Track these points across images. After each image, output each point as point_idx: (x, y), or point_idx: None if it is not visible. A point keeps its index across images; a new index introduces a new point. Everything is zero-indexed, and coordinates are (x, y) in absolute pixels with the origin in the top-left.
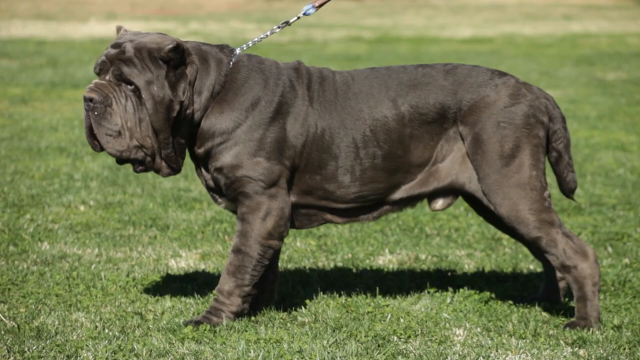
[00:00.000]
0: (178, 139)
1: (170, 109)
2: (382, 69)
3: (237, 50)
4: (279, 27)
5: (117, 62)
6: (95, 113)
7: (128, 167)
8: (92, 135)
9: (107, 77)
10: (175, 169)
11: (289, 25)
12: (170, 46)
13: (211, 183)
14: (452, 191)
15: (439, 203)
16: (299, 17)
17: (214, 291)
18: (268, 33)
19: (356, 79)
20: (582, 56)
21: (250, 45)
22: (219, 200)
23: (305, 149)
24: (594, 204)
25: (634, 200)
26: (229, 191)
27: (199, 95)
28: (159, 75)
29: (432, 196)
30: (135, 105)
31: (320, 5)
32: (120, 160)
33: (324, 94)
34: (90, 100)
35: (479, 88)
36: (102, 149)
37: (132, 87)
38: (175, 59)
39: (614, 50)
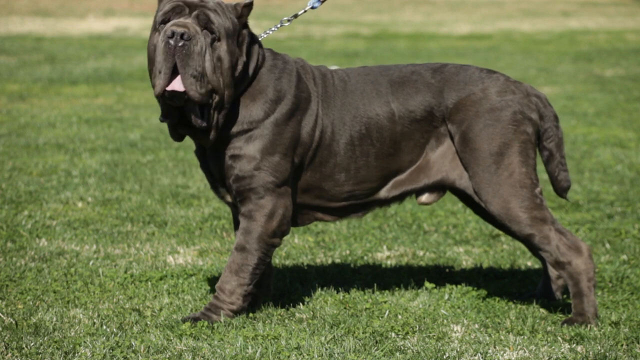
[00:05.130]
0: None
1: (237, 65)
2: (375, 67)
3: None
4: (288, 20)
5: (201, 8)
6: (184, 51)
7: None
8: (168, 78)
9: (190, 20)
10: (215, 135)
11: (297, 17)
12: (248, 1)
13: (218, 172)
14: (442, 187)
15: (425, 196)
16: (305, 10)
17: (215, 288)
18: (278, 25)
19: (351, 77)
20: (580, 53)
21: (264, 36)
22: (221, 190)
23: (312, 147)
24: (591, 201)
25: (631, 196)
26: (237, 184)
27: (249, 63)
28: (234, 30)
29: (420, 191)
30: (211, 55)
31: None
32: (185, 107)
33: (326, 91)
34: (182, 35)
35: (466, 86)
36: (162, 95)
37: (213, 35)
38: (246, 16)
39: (612, 46)
